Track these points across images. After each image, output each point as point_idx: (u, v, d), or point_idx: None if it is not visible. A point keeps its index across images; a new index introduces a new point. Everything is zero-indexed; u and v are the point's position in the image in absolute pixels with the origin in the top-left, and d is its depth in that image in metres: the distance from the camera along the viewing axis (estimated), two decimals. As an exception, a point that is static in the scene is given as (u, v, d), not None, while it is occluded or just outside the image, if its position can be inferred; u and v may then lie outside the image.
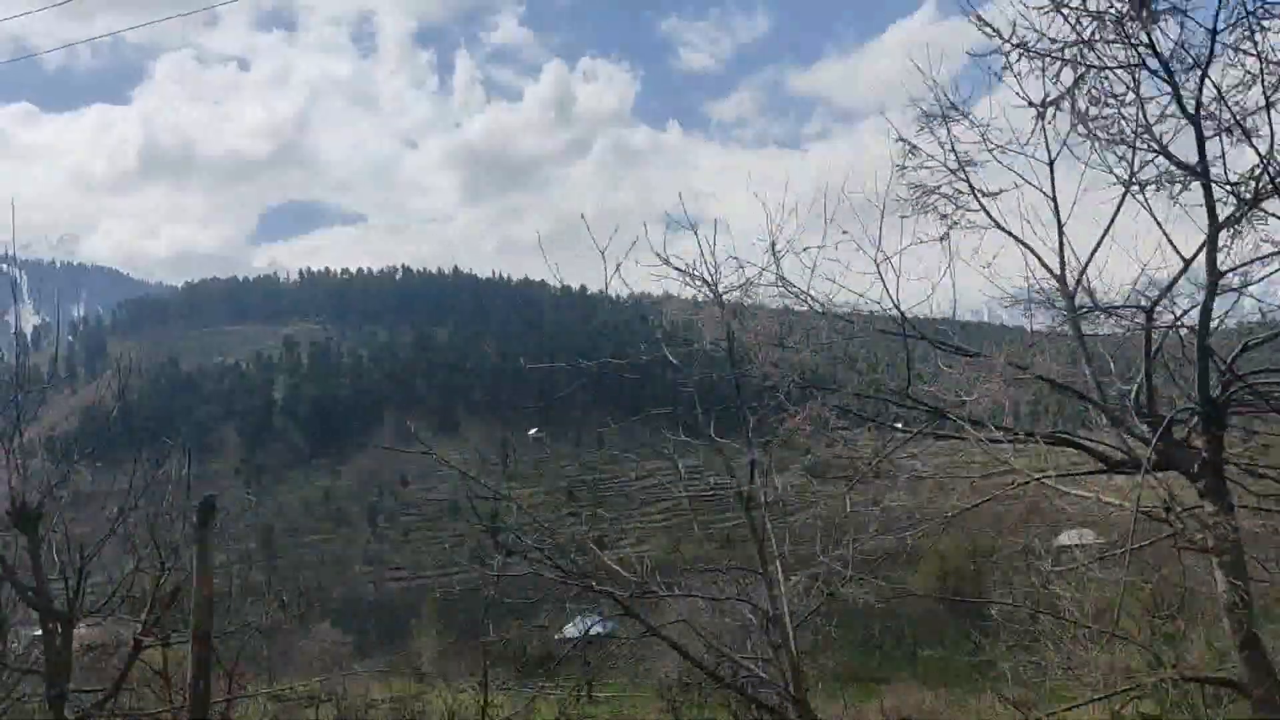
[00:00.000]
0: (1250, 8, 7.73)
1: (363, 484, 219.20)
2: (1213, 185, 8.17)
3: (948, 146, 9.41)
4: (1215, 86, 7.99)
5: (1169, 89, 8.07)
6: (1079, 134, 8.77)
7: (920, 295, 9.66)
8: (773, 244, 9.91)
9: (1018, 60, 8.40)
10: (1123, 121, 8.52)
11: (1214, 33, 7.77)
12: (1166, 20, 7.99)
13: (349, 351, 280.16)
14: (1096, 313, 9.82)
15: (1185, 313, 9.16)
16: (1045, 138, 9.09)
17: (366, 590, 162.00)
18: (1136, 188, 8.89)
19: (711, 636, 10.83)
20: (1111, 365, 9.87)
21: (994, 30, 8.35)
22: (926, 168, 9.56)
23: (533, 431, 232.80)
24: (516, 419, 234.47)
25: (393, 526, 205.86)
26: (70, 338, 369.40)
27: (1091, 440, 9.71)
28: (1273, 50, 7.80)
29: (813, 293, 10.02)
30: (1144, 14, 7.82)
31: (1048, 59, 8.29)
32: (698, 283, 9.99)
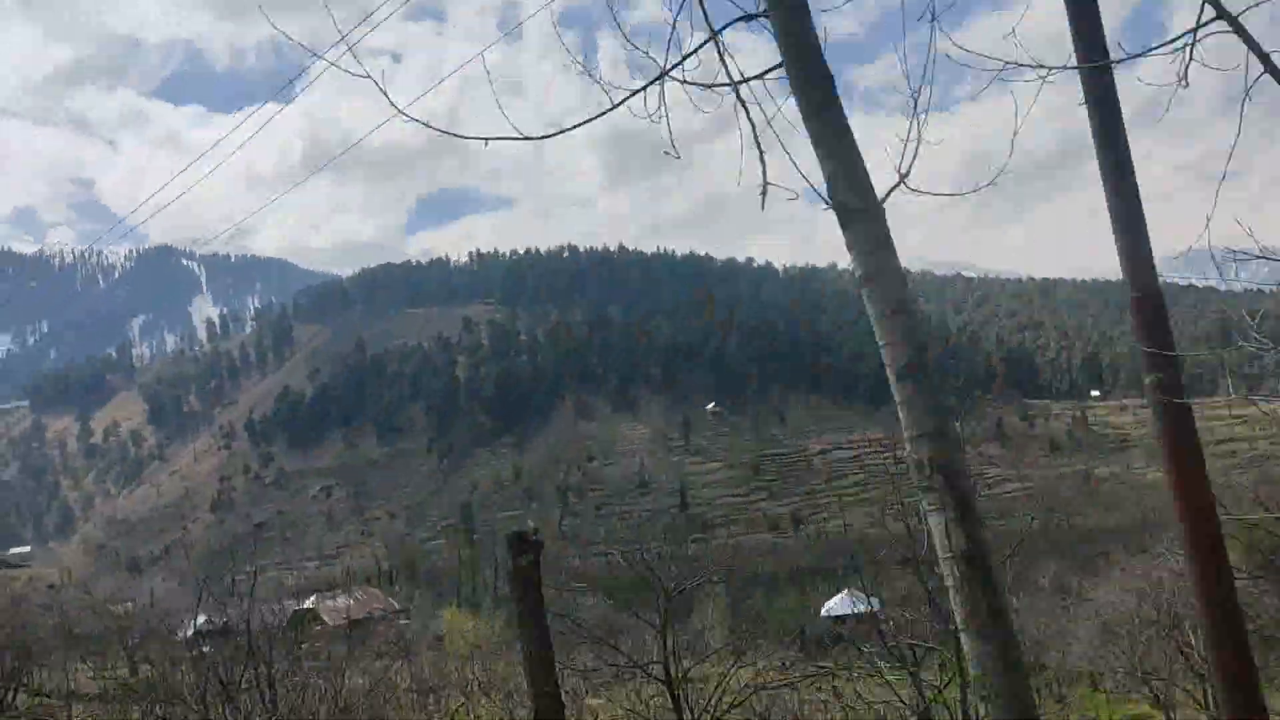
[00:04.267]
0: None
1: (549, 460, 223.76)
2: None
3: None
4: None
5: None
6: None
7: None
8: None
9: None
10: None
11: None
12: None
13: (525, 331, 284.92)
14: None
15: None
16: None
17: (572, 565, 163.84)
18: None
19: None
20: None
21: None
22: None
23: (710, 406, 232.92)
24: (694, 394, 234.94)
25: (582, 502, 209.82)
26: (253, 323, 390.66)
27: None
28: None
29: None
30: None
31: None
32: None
